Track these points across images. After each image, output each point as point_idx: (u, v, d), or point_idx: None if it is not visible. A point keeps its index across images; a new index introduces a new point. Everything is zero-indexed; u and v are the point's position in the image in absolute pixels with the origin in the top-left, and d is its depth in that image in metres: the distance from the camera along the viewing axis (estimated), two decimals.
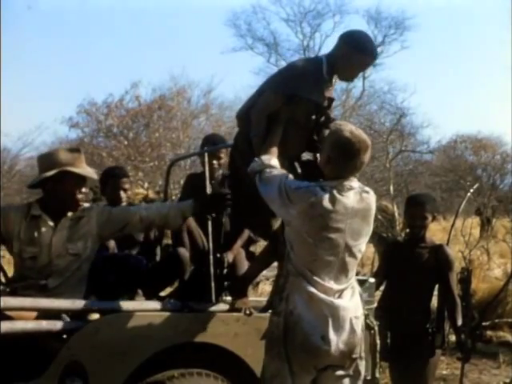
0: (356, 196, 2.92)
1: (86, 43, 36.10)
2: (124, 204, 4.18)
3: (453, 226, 5.19)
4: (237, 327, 3.36)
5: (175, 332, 3.24)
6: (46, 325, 3.05)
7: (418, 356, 4.27)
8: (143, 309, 3.29)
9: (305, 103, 3.19)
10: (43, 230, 3.33)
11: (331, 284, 2.90)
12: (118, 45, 38.01)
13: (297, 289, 2.87)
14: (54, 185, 3.33)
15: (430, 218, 4.32)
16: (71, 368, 2.98)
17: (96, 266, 3.44)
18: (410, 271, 4.31)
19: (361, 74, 25.40)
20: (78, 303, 3.16)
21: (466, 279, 4.44)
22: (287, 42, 28.69)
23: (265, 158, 3.03)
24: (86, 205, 3.51)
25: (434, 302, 4.48)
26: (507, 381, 6.21)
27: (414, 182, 17.95)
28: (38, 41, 36.53)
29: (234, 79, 37.17)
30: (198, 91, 16.54)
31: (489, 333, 7.79)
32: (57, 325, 3.08)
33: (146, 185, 14.21)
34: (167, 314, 3.32)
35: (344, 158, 2.88)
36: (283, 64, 27.87)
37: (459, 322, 4.25)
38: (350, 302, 2.94)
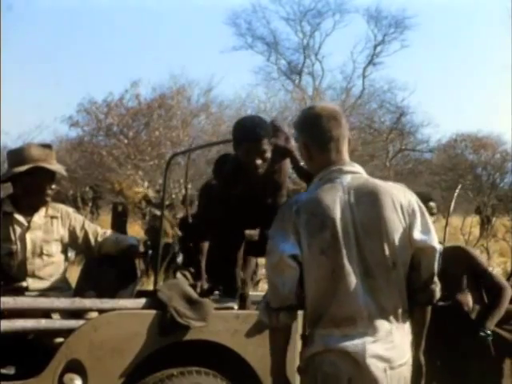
0: (352, 180, 2.29)
1: (86, 42, 36.14)
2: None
3: (446, 224, 5.15)
4: (237, 324, 3.35)
5: None
6: (45, 323, 3.06)
7: None
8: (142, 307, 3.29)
9: None
10: (16, 227, 3.32)
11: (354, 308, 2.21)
12: (118, 44, 38.08)
13: (315, 333, 2.28)
14: (25, 180, 3.30)
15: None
16: (70, 366, 2.98)
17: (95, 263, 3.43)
18: None
19: (360, 73, 25.42)
20: (78, 302, 3.17)
21: None
22: (287, 41, 28.73)
23: None
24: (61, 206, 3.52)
25: None
26: None
27: (414, 180, 17.94)
28: (38, 39, 36.56)
29: (234, 78, 37.26)
30: (198, 90, 16.51)
31: None
32: (56, 323, 3.09)
33: (145, 184, 14.21)
34: None
35: (312, 133, 2.34)
36: (283, 63, 28.02)
37: None
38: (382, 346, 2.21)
